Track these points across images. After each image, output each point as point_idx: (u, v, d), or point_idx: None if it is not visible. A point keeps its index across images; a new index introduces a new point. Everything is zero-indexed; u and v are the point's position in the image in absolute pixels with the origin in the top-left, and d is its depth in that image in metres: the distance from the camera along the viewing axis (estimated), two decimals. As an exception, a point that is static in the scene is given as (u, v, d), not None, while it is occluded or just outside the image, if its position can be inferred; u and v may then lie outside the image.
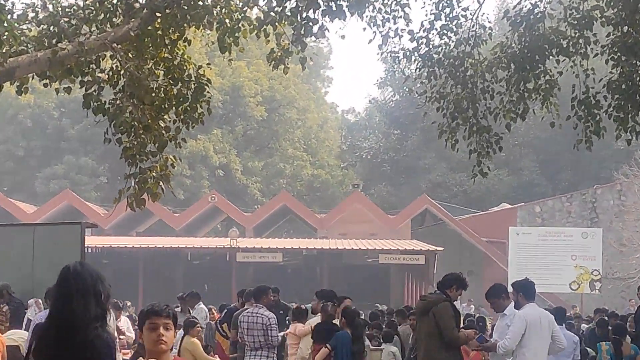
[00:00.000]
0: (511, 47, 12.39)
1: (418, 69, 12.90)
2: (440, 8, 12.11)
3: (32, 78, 10.21)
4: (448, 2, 12.16)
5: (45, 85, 10.23)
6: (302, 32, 10.57)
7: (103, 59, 10.18)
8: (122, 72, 9.80)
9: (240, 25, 10.64)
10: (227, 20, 10.54)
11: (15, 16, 9.96)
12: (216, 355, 12.96)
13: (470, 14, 12.57)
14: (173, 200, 41.35)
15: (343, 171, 58.95)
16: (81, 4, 10.38)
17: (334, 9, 10.34)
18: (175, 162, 10.33)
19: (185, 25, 10.13)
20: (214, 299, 23.82)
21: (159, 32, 10.10)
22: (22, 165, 50.89)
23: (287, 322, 12.62)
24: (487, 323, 18.35)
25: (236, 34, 10.61)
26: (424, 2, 12.39)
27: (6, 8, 10.06)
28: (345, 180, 57.12)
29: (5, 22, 8.07)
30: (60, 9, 10.06)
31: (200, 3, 10.02)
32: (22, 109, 50.12)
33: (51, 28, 9.89)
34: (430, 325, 9.00)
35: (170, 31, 10.19)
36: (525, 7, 12.36)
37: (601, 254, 34.41)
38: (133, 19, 9.75)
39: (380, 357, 12.40)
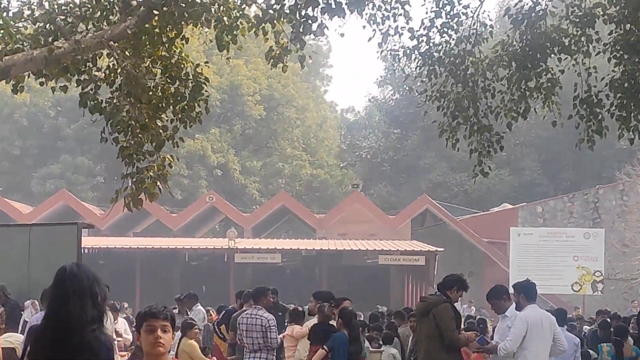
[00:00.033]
0: (512, 45, 12.30)
1: (418, 68, 12.82)
2: (440, 6, 12.02)
3: (28, 76, 10.19)
4: (448, -1, 12.08)
5: (41, 83, 10.23)
6: (301, 30, 10.46)
7: (100, 57, 10.12)
8: (119, 70, 9.78)
9: (238, 23, 10.57)
10: (225, 18, 10.47)
11: (11, 14, 9.96)
12: (214, 357, 12.93)
13: (471, 11, 12.50)
14: (170, 201, 41.33)
15: (342, 171, 58.82)
16: (77, 1, 10.31)
17: (334, 6, 10.24)
18: (172, 161, 10.31)
19: (182, 23, 10.05)
20: (211, 300, 23.70)
21: (156, 30, 10.04)
22: (18, 164, 50.77)
23: (285, 323, 12.55)
24: (488, 325, 18.32)
25: (234, 32, 10.55)
26: (424, 0, 12.30)
27: (2, 6, 10.02)
28: (345, 180, 56.97)
29: (0, 20, 8.00)
30: (56, 6, 10.00)
31: (198, 0, 9.94)
32: (17, 108, 49.97)
33: (47, 26, 9.83)
34: (431, 326, 8.97)
35: (168, 29, 10.13)
36: (527, 4, 12.28)
37: (603, 255, 34.15)
38: (130, 17, 9.69)
39: (380, 359, 12.36)
